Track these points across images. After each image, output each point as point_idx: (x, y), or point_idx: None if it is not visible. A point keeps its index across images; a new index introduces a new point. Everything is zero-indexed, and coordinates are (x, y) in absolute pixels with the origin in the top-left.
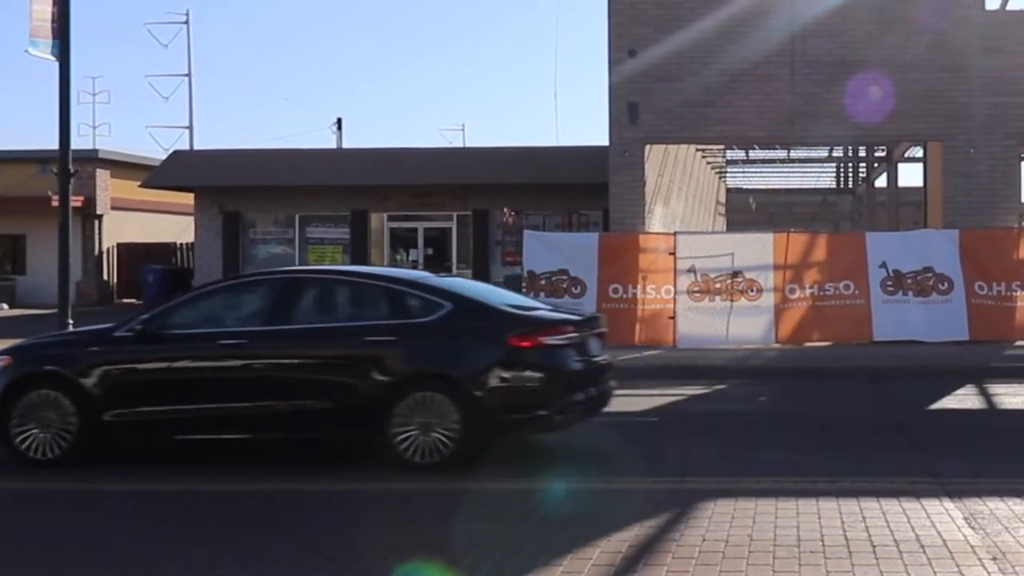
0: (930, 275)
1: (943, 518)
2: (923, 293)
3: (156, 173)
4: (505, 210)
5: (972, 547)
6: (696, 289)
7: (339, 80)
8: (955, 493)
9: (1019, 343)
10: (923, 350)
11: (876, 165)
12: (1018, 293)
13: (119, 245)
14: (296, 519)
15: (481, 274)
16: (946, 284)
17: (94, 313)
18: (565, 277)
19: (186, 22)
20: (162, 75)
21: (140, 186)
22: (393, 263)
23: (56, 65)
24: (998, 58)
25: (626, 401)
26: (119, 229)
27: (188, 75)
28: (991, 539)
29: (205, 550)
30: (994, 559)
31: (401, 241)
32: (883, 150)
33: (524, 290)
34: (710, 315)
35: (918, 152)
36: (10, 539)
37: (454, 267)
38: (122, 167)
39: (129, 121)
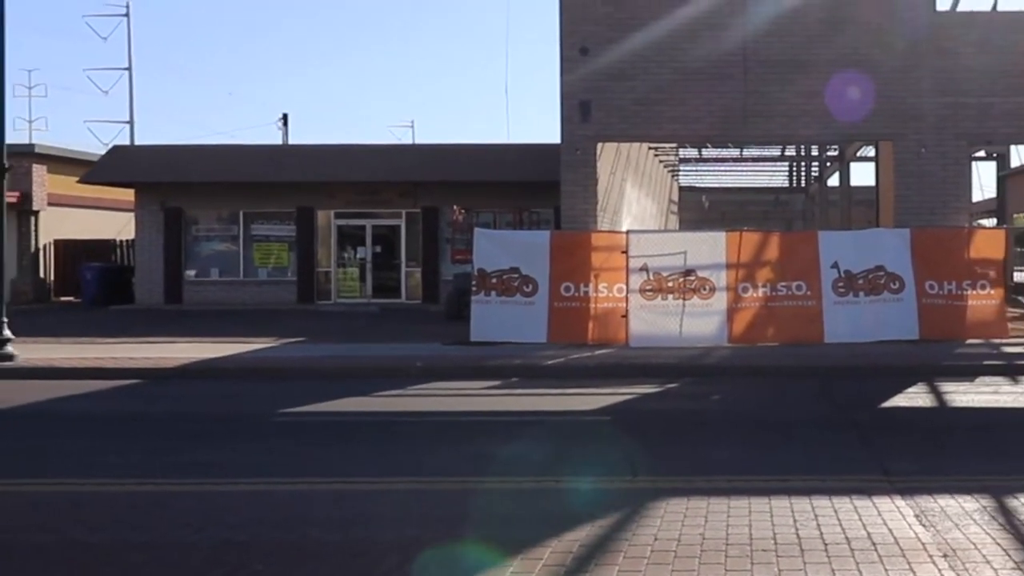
0: (882, 274)
1: (894, 516)
2: (874, 292)
3: (95, 169)
4: (455, 208)
5: (923, 544)
6: (649, 288)
7: (285, 75)
8: (906, 491)
9: (969, 342)
10: (874, 349)
11: (828, 164)
12: (968, 292)
13: (56, 242)
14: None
15: (431, 272)
16: (897, 283)
17: (31, 311)
18: (516, 275)
19: (126, 15)
20: (101, 69)
21: (78, 182)
22: (340, 261)
23: None
24: (949, 59)
25: (578, 400)
26: (56, 226)
27: (128, 69)
28: (941, 536)
29: None
30: (944, 556)
31: (349, 239)
32: (835, 149)
33: (474, 289)
34: (663, 314)
35: (870, 152)
36: None
37: (403, 265)
38: (59, 162)
39: (67, 116)
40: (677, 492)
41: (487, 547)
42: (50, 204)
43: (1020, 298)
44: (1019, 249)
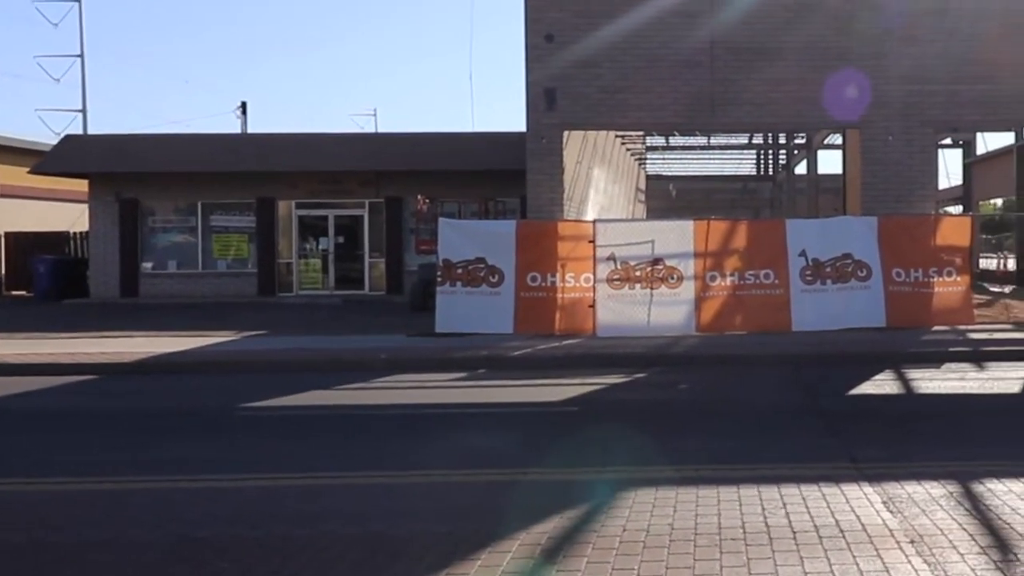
0: (849, 261)
1: (862, 503)
2: (842, 279)
3: (47, 159)
4: (419, 197)
5: (890, 531)
6: (616, 277)
7: (244, 62)
8: (874, 477)
9: (936, 329)
10: (842, 336)
11: (796, 152)
12: (935, 279)
13: (7, 234)
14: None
15: (395, 263)
16: (864, 271)
17: None
18: (483, 265)
19: (78, 0)
20: (52, 56)
21: (29, 172)
22: (302, 252)
23: None
24: (917, 46)
25: (545, 391)
26: (7, 217)
27: (81, 56)
28: (909, 522)
29: None
30: (912, 542)
31: (310, 229)
32: (802, 137)
33: (439, 280)
34: (630, 303)
35: (837, 139)
36: None
37: (366, 256)
38: (9, 152)
39: (16, 104)
40: (646, 482)
41: (453, 541)
42: (0, 196)
43: (986, 285)
44: (985, 236)
